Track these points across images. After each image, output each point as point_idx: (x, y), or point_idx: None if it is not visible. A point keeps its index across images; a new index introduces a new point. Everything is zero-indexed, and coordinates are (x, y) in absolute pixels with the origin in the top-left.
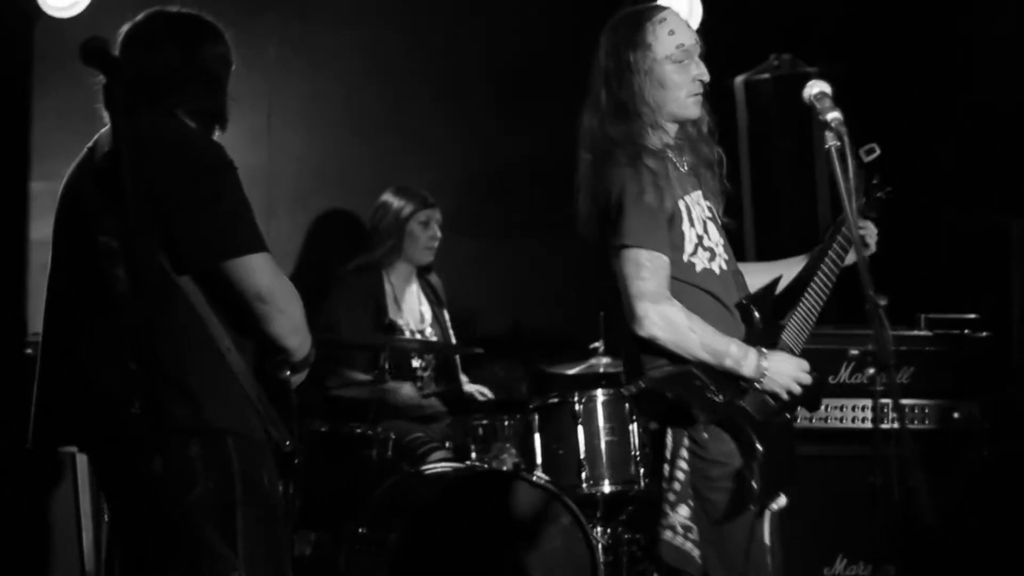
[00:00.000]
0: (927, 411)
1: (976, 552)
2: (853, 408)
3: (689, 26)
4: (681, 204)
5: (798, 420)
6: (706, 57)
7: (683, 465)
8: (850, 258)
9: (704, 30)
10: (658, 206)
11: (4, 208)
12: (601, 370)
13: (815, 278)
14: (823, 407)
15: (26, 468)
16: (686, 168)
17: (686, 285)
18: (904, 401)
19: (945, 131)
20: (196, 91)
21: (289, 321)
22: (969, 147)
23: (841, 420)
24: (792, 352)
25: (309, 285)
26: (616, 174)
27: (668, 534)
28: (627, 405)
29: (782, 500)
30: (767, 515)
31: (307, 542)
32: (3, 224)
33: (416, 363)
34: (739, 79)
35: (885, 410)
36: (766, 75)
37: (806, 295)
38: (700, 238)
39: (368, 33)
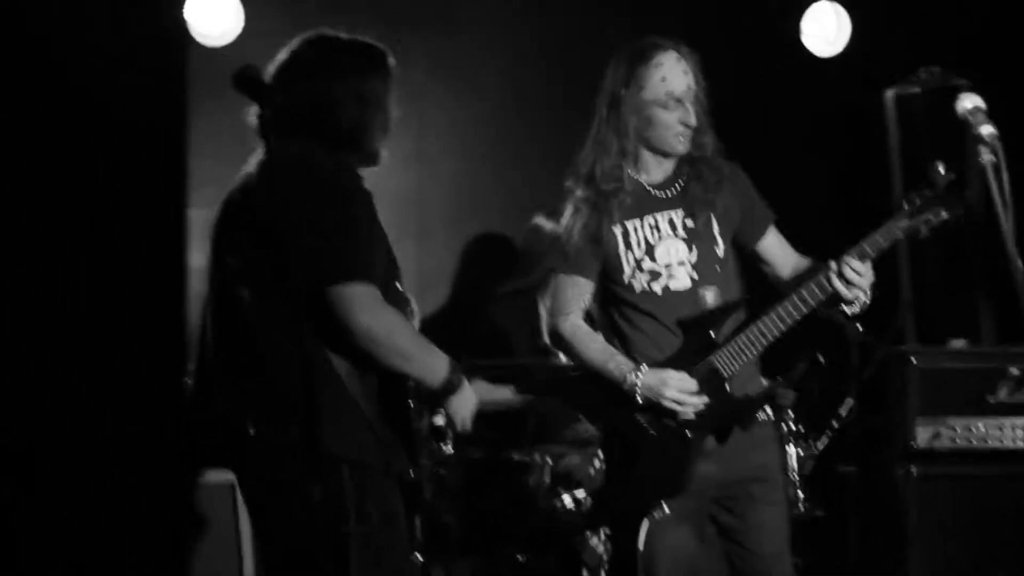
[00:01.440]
0: None
1: None
2: (1013, 428)
3: (685, 71)
4: (616, 230)
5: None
6: (855, 69)
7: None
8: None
9: (854, 43)
10: (578, 236)
11: (163, 236)
12: None
13: (777, 307)
14: (981, 426)
15: (186, 494)
16: (665, 193)
17: (624, 301)
18: None
19: None
20: (345, 122)
21: (391, 353)
22: None
23: (1001, 440)
24: (720, 372)
25: (464, 309)
26: (565, 205)
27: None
28: None
29: (664, 510)
30: (645, 523)
31: (464, 570)
32: (162, 252)
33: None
34: (889, 92)
35: None
36: (916, 88)
37: (759, 322)
38: (639, 261)
39: (516, 55)
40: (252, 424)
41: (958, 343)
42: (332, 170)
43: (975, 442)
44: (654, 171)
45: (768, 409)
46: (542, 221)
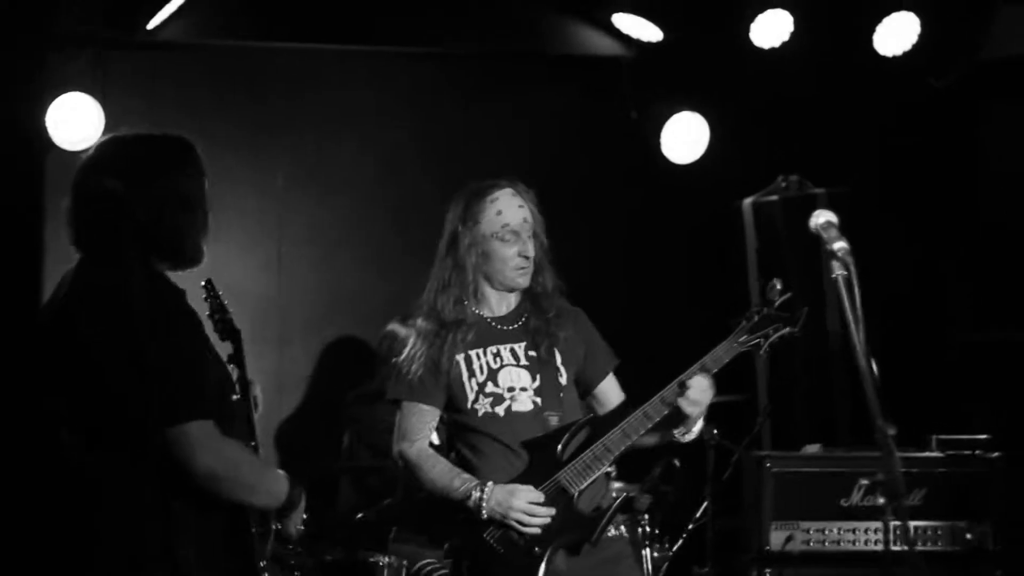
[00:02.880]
0: (940, 532)
1: None
2: (866, 531)
3: (521, 205)
4: (460, 359)
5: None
6: (714, 179)
7: None
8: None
9: (712, 152)
10: (419, 365)
11: (17, 344)
12: None
13: (621, 424)
14: (835, 530)
15: None
16: (508, 327)
17: (468, 428)
18: (916, 523)
19: (953, 249)
20: (151, 231)
21: (235, 488)
22: (977, 266)
23: (854, 543)
24: (567, 489)
25: (321, 413)
26: (407, 339)
27: None
28: None
29: None
30: None
31: None
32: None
33: None
34: (747, 201)
35: (896, 533)
36: (774, 196)
37: (604, 439)
38: (482, 386)
39: (377, 160)
40: None
41: (812, 448)
42: (153, 298)
43: (828, 545)
44: (496, 306)
45: (622, 525)
46: (396, 327)
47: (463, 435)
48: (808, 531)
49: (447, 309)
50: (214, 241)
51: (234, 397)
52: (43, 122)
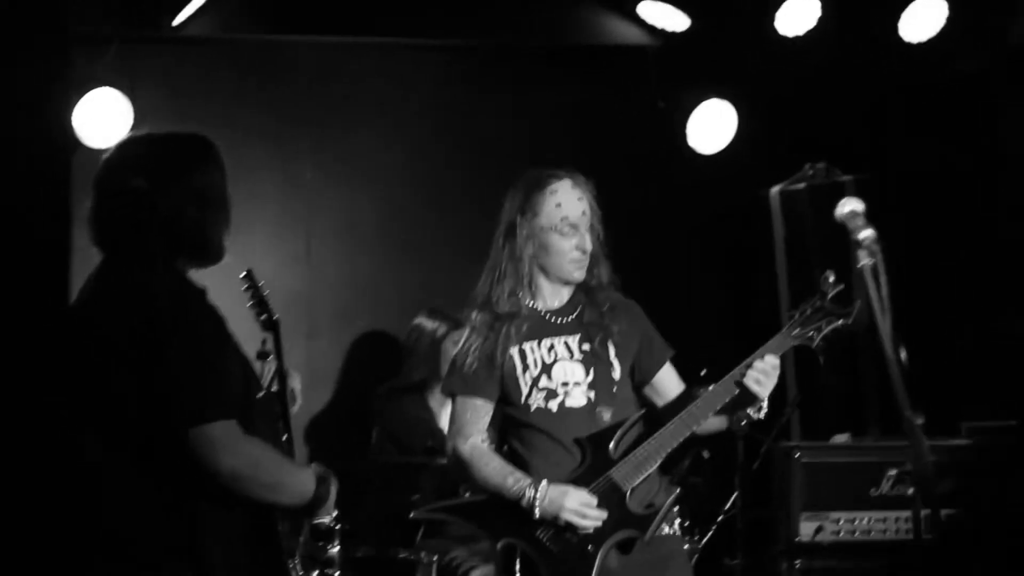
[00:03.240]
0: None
1: None
2: (896, 520)
3: (581, 197)
4: (514, 353)
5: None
6: (741, 167)
7: None
8: (712, 423)
9: (739, 141)
10: (474, 359)
11: (43, 346)
12: None
13: (675, 419)
14: (865, 519)
15: None
16: (561, 320)
17: (521, 423)
18: (947, 511)
19: (980, 236)
20: (174, 230)
21: (259, 488)
22: (1005, 252)
23: (884, 532)
24: (620, 487)
25: (350, 406)
26: (464, 330)
27: None
28: None
29: None
30: None
31: None
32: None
33: (462, 487)
34: (775, 189)
35: (926, 522)
36: (801, 185)
37: (657, 435)
38: (535, 380)
39: (405, 153)
40: None
41: (841, 438)
42: (175, 297)
43: (858, 535)
44: (550, 299)
45: (675, 523)
46: (423, 320)
47: (516, 430)
48: (838, 521)
49: (501, 301)
50: (243, 234)
51: (260, 394)
52: (70, 120)
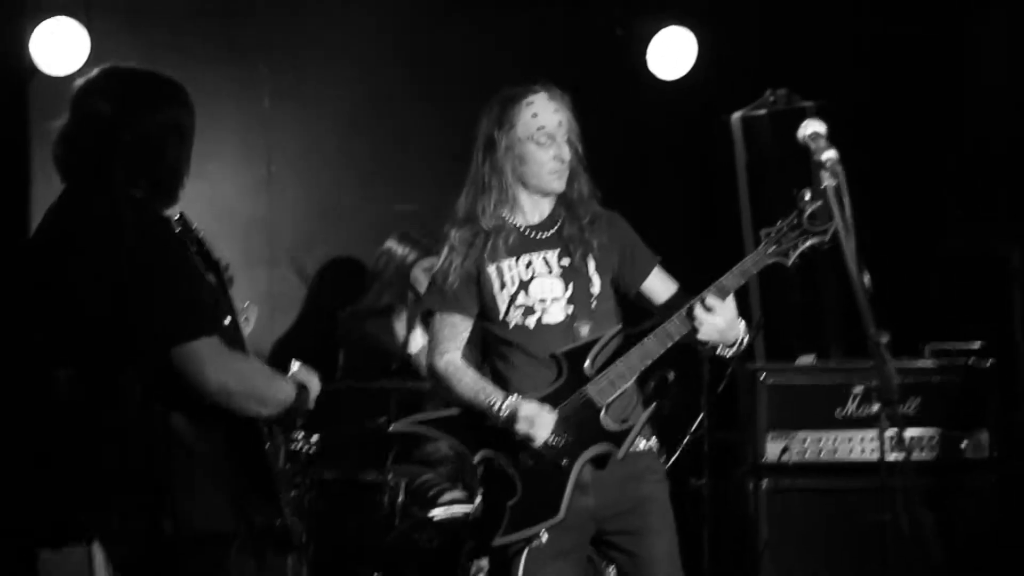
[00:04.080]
0: (935, 441)
1: None
2: (861, 440)
3: (557, 109)
4: (492, 270)
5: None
6: (701, 94)
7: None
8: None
9: (700, 67)
10: (454, 275)
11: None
12: None
13: (645, 341)
14: (830, 440)
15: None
16: (541, 234)
17: (500, 339)
18: (911, 432)
19: (943, 161)
20: (139, 161)
21: (246, 401)
22: (967, 176)
23: (849, 452)
24: (594, 402)
25: (315, 332)
26: (442, 247)
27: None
28: None
29: (542, 539)
30: (524, 552)
31: None
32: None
33: (427, 407)
34: (736, 115)
35: (891, 442)
36: (762, 111)
37: (629, 353)
38: (513, 297)
39: (363, 77)
40: (93, 517)
41: (806, 359)
42: (148, 222)
43: (824, 455)
44: (530, 213)
45: (652, 439)
46: (393, 244)
47: (495, 347)
48: (804, 441)
49: (487, 214)
50: (202, 162)
51: (226, 322)
52: (27, 48)
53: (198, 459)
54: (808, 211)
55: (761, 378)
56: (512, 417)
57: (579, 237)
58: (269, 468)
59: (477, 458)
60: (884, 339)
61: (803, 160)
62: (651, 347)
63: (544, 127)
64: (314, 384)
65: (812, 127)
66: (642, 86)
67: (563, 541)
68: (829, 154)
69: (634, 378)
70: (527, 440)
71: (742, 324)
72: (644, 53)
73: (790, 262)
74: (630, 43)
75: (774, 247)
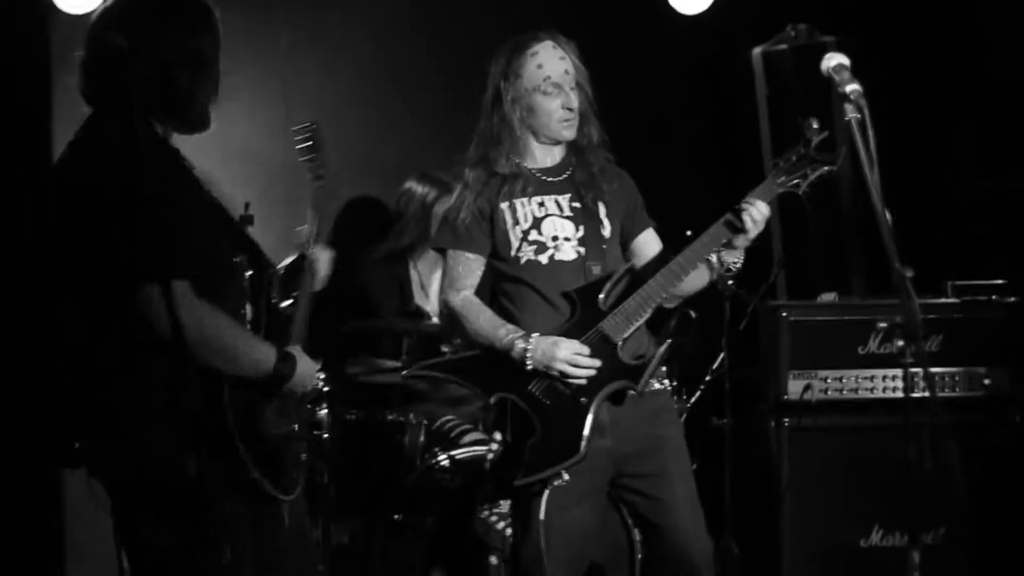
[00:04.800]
0: (957, 379)
1: (1011, 519)
2: (884, 378)
3: (562, 57)
4: (504, 207)
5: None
6: (722, 29)
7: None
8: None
9: (721, 1)
10: (467, 213)
11: (29, 208)
12: None
13: (663, 270)
14: (853, 378)
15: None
16: (553, 178)
17: (510, 277)
18: (934, 369)
19: (967, 98)
20: (154, 90)
21: (209, 355)
22: (991, 114)
23: (872, 391)
24: (610, 338)
25: (336, 273)
26: (455, 187)
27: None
28: None
29: (563, 478)
30: (545, 493)
31: (343, 530)
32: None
33: (444, 348)
34: (757, 51)
35: (915, 379)
36: (783, 46)
37: (645, 286)
38: (525, 233)
39: (383, 16)
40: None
41: (828, 297)
42: (155, 153)
43: (846, 393)
44: (542, 158)
45: (664, 380)
46: (414, 184)
47: (505, 285)
48: (826, 380)
49: (500, 161)
50: (218, 101)
51: (236, 259)
52: None
53: (156, 403)
54: (815, 140)
55: (783, 315)
56: (547, 355)
57: (590, 182)
58: (280, 449)
59: (493, 399)
60: (909, 273)
61: (825, 94)
62: (663, 280)
63: (549, 77)
64: (307, 363)
65: (836, 59)
66: (663, 21)
67: (582, 482)
68: (853, 86)
69: (648, 313)
70: (563, 378)
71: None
72: None
73: (801, 191)
74: None
75: (783, 177)
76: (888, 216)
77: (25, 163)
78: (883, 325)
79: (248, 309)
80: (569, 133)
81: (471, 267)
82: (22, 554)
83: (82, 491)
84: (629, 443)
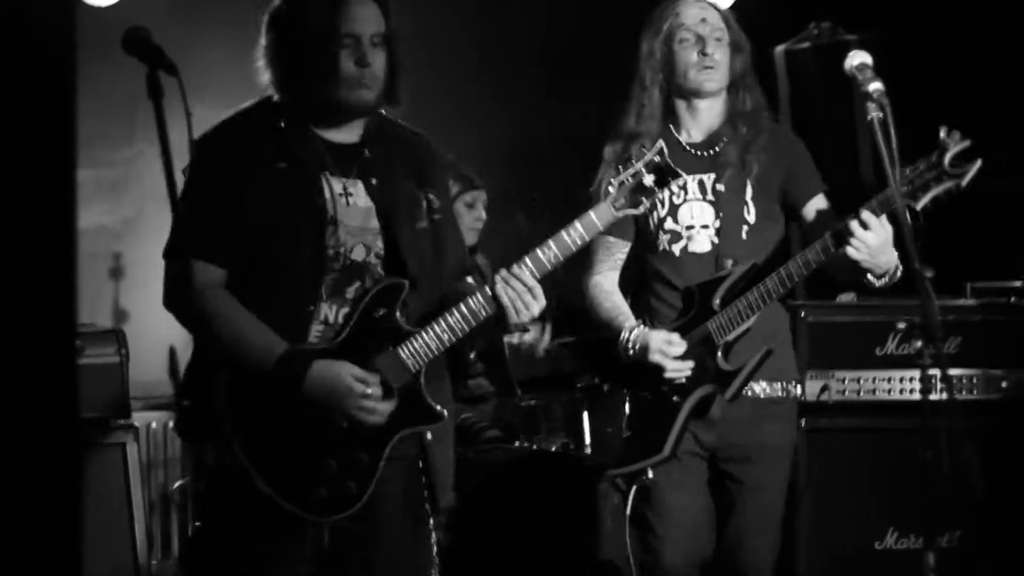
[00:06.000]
0: (975, 381)
1: None
2: (901, 380)
3: (703, 8)
4: None
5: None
6: (745, 27)
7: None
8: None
9: (742, 1)
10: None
11: (50, 197)
12: None
13: (764, 280)
14: (870, 379)
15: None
16: (701, 154)
17: (650, 266)
18: (952, 371)
19: (986, 97)
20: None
21: (209, 340)
22: (1011, 113)
23: (889, 392)
24: (712, 338)
25: None
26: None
27: None
28: None
29: (650, 474)
30: (632, 491)
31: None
32: (49, 213)
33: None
34: (779, 49)
35: (933, 381)
36: (806, 44)
37: (755, 288)
38: (662, 221)
39: (411, 4)
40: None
41: (847, 297)
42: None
43: (863, 395)
44: (693, 130)
45: (778, 383)
46: None
47: (647, 274)
48: (843, 380)
49: (644, 128)
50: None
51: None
52: None
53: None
54: (953, 151)
55: (801, 315)
56: (643, 345)
57: (737, 161)
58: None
59: (607, 388)
60: (929, 274)
61: (847, 94)
62: (771, 287)
63: (684, 23)
64: (334, 371)
65: (859, 58)
66: None
67: (674, 474)
68: (875, 85)
69: (753, 318)
70: (656, 370)
71: (895, 254)
72: None
73: (919, 205)
74: None
75: (907, 187)
76: (908, 216)
77: (49, 156)
78: (902, 326)
79: (328, 309)
80: (711, 85)
81: (610, 250)
82: (39, 539)
83: (98, 471)
84: (729, 444)
